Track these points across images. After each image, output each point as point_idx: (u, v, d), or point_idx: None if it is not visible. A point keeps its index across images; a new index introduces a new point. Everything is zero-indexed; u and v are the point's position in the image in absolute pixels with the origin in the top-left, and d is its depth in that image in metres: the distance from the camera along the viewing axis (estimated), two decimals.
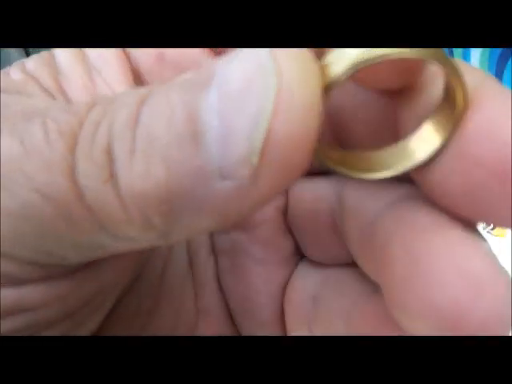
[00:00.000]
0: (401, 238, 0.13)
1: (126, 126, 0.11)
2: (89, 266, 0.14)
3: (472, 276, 0.12)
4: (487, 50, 0.80)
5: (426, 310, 0.12)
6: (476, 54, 0.81)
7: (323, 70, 0.11)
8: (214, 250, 0.19)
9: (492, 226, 0.76)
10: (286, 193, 0.18)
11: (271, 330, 0.18)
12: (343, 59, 0.10)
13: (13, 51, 0.61)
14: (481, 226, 0.77)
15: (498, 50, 0.80)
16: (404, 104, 0.14)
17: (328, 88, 0.11)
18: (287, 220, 0.18)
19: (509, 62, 0.80)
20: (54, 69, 0.15)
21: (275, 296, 0.18)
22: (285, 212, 0.18)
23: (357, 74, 0.11)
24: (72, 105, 0.13)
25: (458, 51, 0.81)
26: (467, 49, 0.81)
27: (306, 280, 0.18)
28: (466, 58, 0.81)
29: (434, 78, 0.13)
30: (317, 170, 0.17)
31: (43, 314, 0.14)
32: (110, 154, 0.11)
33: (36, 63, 0.15)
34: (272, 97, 0.10)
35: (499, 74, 0.80)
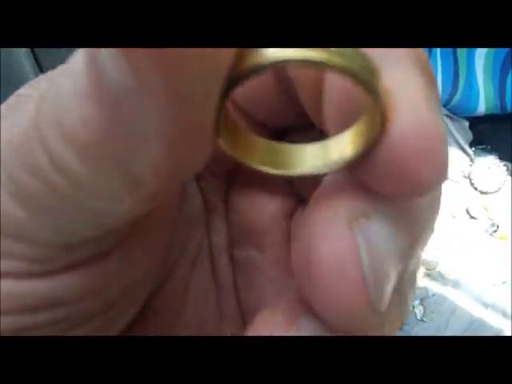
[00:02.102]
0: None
1: (66, 76, 0.11)
2: (117, 252, 0.14)
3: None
4: (491, 54, 0.80)
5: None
6: (480, 58, 0.81)
7: (239, 59, 0.10)
8: (232, 261, 0.19)
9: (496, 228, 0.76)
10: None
11: None
12: (258, 56, 0.10)
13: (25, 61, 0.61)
14: (484, 229, 0.77)
15: (502, 55, 0.80)
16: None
17: (240, 76, 0.10)
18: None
19: None
20: None
21: None
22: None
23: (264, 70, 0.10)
24: None
25: (462, 56, 0.81)
26: (471, 53, 0.81)
27: None
28: (471, 62, 0.81)
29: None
30: None
31: (79, 306, 0.14)
32: (57, 109, 0.11)
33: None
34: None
35: (503, 78, 0.80)
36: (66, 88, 0.11)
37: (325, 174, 0.13)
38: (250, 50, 0.10)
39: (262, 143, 0.13)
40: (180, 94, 0.10)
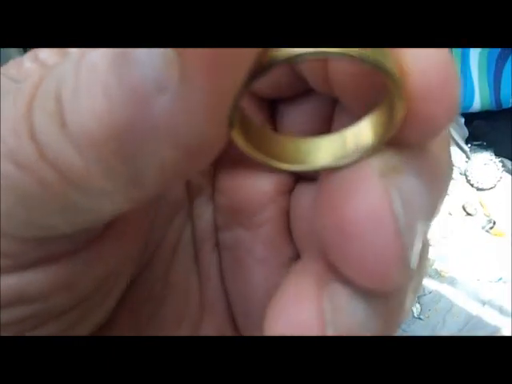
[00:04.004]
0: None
1: (71, 68, 0.11)
2: (91, 246, 0.14)
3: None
4: (486, 50, 0.80)
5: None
6: (475, 54, 0.81)
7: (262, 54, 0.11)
8: (217, 246, 0.19)
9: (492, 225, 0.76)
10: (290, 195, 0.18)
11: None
12: (284, 51, 0.10)
13: (13, 51, 0.61)
14: (480, 226, 0.77)
15: (497, 51, 0.80)
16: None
17: (263, 68, 0.11)
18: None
19: (507, 62, 0.80)
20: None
21: (274, 294, 0.18)
22: (288, 214, 0.18)
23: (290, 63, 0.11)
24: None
25: (456, 53, 0.81)
26: (466, 50, 0.81)
27: None
28: (465, 58, 0.81)
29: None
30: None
31: (50, 302, 0.14)
32: (59, 100, 0.11)
33: (49, 52, 0.15)
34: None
35: (498, 74, 0.80)
36: (71, 81, 0.11)
37: (344, 166, 0.12)
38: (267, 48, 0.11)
39: (277, 138, 0.13)
40: (216, 91, 0.10)
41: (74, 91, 0.10)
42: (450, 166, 0.14)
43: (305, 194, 0.17)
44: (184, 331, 0.18)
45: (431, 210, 0.13)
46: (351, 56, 0.10)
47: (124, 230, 0.15)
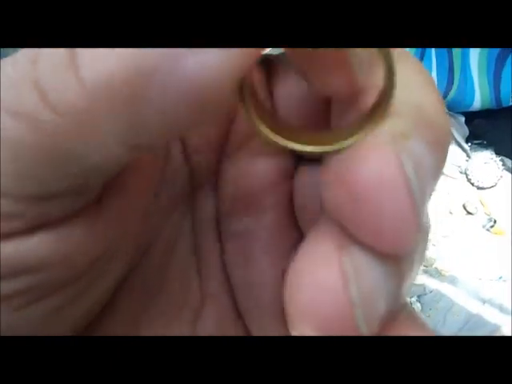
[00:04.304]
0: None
1: None
2: (88, 216, 0.14)
3: (316, 288, 0.12)
4: (485, 50, 0.80)
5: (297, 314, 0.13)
6: (475, 53, 0.81)
7: None
8: (219, 237, 0.19)
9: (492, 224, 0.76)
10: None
11: (275, 317, 0.18)
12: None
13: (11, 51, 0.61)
14: (481, 224, 0.77)
15: (497, 50, 0.80)
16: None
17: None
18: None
19: (507, 61, 0.80)
20: None
21: (280, 284, 0.18)
22: (292, 198, 0.18)
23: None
24: None
25: (457, 52, 0.81)
26: (466, 49, 0.81)
27: None
28: (465, 57, 0.81)
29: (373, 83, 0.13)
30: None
31: (53, 273, 0.14)
32: (71, 50, 0.11)
33: None
34: None
35: (498, 73, 0.80)
36: None
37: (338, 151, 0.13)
38: None
39: (290, 126, 0.14)
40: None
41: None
42: (448, 127, 0.14)
43: (308, 176, 0.17)
44: (185, 319, 0.18)
45: (437, 172, 0.13)
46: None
47: (122, 203, 0.15)
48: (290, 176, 0.18)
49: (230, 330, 0.19)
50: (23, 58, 0.12)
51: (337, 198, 0.12)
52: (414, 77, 0.14)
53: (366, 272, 0.12)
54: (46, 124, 0.11)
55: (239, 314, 0.19)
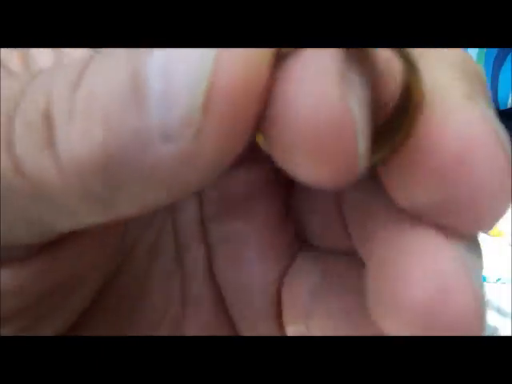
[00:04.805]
0: (381, 234, 0.12)
1: (65, 88, 0.10)
2: (47, 252, 0.13)
3: (438, 277, 0.11)
4: (483, 50, 0.81)
5: (397, 308, 0.11)
6: (472, 54, 0.81)
7: None
8: (204, 240, 0.18)
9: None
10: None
11: (267, 320, 0.18)
12: None
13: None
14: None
15: (494, 51, 0.80)
16: None
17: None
18: (291, 200, 0.18)
19: (505, 63, 0.80)
20: (24, 53, 0.15)
21: (272, 286, 0.18)
22: (285, 199, 0.18)
23: None
24: (19, 74, 0.13)
25: None
26: (463, 49, 0.81)
27: (304, 275, 0.18)
28: None
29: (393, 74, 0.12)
30: None
31: (3, 305, 0.13)
32: (48, 118, 0.10)
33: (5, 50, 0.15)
34: (212, 51, 0.09)
35: (495, 75, 0.80)
36: (66, 102, 0.10)
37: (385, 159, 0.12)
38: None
39: None
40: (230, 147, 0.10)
41: (68, 113, 0.10)
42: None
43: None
44: (164, 328, 0.18)
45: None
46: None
47: (88, 235, 0.14)
48: (281, 179, 0.17)
49: (216, 333, 0.18)
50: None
51: (424, 184, 0.11)
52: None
53: (471, 253, 0.12)
54: (19, 189, 0.11)
55: (227, 318, 0.19)
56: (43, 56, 0.15)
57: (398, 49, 0.10)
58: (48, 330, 0.15)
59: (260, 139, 0.11)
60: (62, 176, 0.10)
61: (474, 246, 0.12)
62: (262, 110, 0.10)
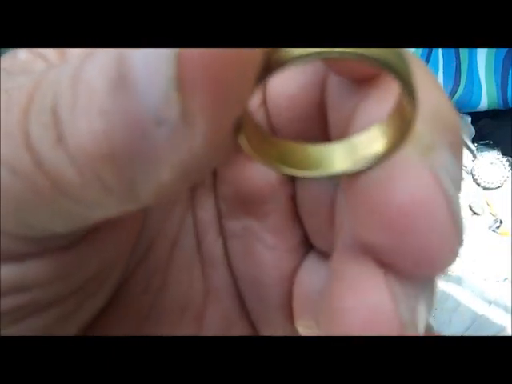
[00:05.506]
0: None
1: (67, 83, 0.10)
2: (86, 240, 0.14)
3: (367, 309, 0.12)
4: (493, 49, 0.80)
5: (332, 330, 0.12)
6: (482, 53, 0.80)
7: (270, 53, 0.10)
8: (222, 233, 0.19)
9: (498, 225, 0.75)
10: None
11: (280, 313, 0.19)
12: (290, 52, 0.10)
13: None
14: (487, 225, 0.77)
15: (504, 50, 0.80)
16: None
17: (272, 67, 0.10)
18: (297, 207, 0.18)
19: None
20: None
21: (285, 280, 0.18)
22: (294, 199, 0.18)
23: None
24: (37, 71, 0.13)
25: (464, 52, 0.80)
26: (473, 49, 0.80)
27: (314, 273, 0.18)
28: (472, 58, 0.80)
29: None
30: None
31: (47, 290, 0.14)
32: (55, 113, 0.10)
33: None
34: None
35: (505, 73, 0.80)
36: (68, 98, 0.10)
37: (363, 171, 0.12)
38: (276, 48, 0.10)
39: (286, 144, 0.13)
40: (219, 123, 0.10)
41: (70, 108, 0.10)
42: (460, 126, 0.13)
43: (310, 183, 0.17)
44: (187, 319, 0.18)
45: (461, 176, 0.12)
46: (363, 56, 0.10)
47: (119, 224, 0.15)
48: (290, 178, 0.18)
49: (236, 325, 0.19)
50: (15, 103, 0.11)
51: (370, 226, 0.12)
52: (423, 78, 0.12)
53: (404, 296, 0.12)
54: (41, 187, 0.11)
55: (244, 310, 0.19)
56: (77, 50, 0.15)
57: (399, 75, 0.10)
58: (84, 315, 0.16)
59: (242, 140, 0.11)
60: (77, 170, 0.11)
61: (422, 287, 0.12)
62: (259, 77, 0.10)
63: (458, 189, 0.12)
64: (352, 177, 0.12)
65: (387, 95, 0.12)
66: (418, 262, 0.11)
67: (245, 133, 0.11)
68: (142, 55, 0.10)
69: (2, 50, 0.15)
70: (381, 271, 0.12)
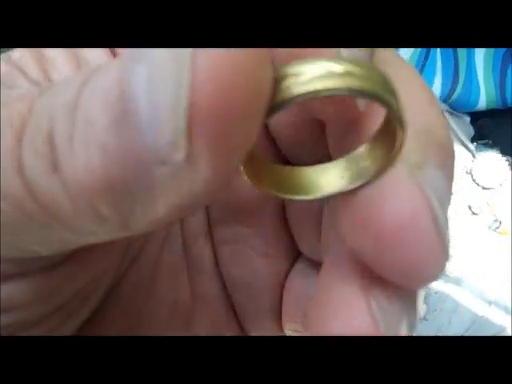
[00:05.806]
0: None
1: (65, 111, 0.10)
2: (71, 259, 0.14)
3: (347, 318, 0.12)
4: (491, 50, 0.80)
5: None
6: (480, 53, 0.80)
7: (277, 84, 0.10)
8: (211, 240, 0.19)
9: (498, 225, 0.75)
10: None
11: (270, 317, 0.19)
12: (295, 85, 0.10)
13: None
14: (486, 225, 0.77)
15: (502, 49, 0.80)
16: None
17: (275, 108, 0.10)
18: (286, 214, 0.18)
19: None
20: (42, 58, 0.15)
21: (275, 285, 0.19)
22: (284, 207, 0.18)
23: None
24: (28, 90, 0.12)
25: (462, 51, 0.81)
26: (471, 49, 0.81)
27: (303, 279, 0.18)
28: (471, 57, 0.81)
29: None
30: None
31: (33, 309, 0.13)
32: (51, 142, 0.10)
33: (22, 53, 0.15)
34: (187, 64, 0.09)
35: (503, 72, 0.80)
36: (66, 128, 0.10)
37: (353, 190, 0.12)
38: (277, 87, 0.10)
39: (281, 169, 0.13)
40: (224, 169, 0.10)
41: (67, 138, 0.10)
42: (451, 143, 0.13)
43: None
44: (176, 324, 0.18)
45: (450, 193, 0.13)
46: (351, 90, 0.10)
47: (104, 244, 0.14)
48: None
49: (225, 329, 0.19)
50: (7, 128, 0.11)
51: (360, 241, 0.12)
52: (415, 93, 0.13)
53: (389, 309, 0.12)
54: (33, 213, 0.11)
55: (233, 314, 0.19)
56: (60, 59, 0.15)
57: (388, 103, 0.11)
58: (70, 328, 0.16)
59: (245, 173, 0.12)
60: (71, 199, 0.10)
61: (406, 304, 0.13)
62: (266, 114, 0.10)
63: (447, 204, 0.12)
64: (346, 195, 0.12)
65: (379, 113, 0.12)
66: (405, 274, 0.12)
67: (247, 164, 0.12)
68: (145, 89, 0.09)
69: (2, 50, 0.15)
70: (364, 294, 0.12)
